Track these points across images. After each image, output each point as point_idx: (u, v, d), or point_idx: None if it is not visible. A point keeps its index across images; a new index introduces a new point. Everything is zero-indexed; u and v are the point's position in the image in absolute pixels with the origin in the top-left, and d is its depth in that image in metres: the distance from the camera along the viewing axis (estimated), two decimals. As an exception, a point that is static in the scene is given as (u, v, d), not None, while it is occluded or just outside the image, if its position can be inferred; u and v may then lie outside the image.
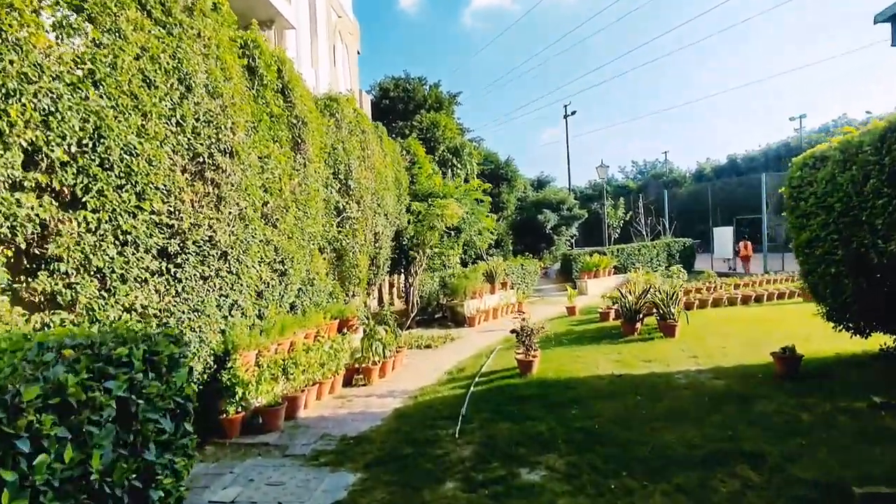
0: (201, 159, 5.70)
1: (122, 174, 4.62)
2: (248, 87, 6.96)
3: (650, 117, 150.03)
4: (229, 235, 6.10)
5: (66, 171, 4.15)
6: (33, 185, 3.93)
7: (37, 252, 4.07)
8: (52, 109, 4.01)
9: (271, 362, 6.51)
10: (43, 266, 4.11)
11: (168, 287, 5.25)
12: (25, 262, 4.06)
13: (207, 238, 5.75)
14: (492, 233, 19.77)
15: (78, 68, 4.34)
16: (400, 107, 25.79)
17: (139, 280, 4.90)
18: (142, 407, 2.13)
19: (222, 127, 6.01)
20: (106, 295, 4.53)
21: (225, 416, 5.98)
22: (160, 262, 5.16)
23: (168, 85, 5.26)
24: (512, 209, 28.29)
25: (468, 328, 13.50)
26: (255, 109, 6.92)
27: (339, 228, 10.08)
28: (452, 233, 15.84)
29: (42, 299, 4.15)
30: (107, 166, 4.48)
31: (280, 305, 7.56)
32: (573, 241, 29.99)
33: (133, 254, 4.80)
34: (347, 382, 8.27)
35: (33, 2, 3.95)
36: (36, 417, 1.84)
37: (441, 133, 22.19)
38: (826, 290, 7.01)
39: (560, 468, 4.73)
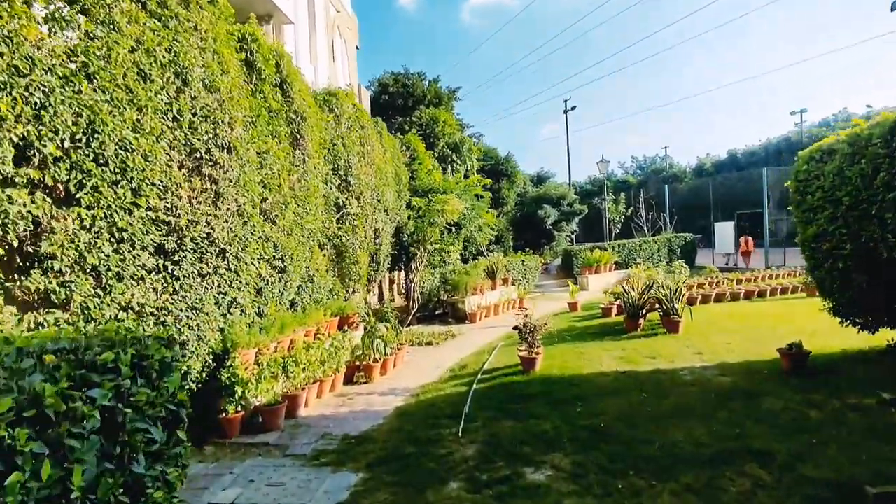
0: (198, 155, 5.60)
1: (117, 170, 4.52)
2: (246, 81, 6.85)
3: (650, 112, 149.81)
4: (227, 232, 6.00)
5: (59, 167, 4.05)
6: (25, 181, 3.82)
7: (30, 250, 3.98)
8: (44, 103, 3.91)
9: (271, 360, 6.42)
10: (36, 264, 4.01)
11: (165, 285, 5.15)
12: (18, 260, 3.97)
13: (205, 235, 5.65)
14: (492, 228, 19.67)
15: (71, 61, 4.24)
16: (399, 102, 25.65)
17: (135, 278, 4.80)
18: (129, 416, 1.99)
19: (220, 122, 5.91)
20: (101, 293, 4.44)
21: (224, 415, 5.89)
22: (157, 260, 5.06)
23: (164, 79, 5.15)
24: (512, 205, 28.19)
25: (469, 325, 13.40)
26: (253, 104, 6.81)
27: (339, 225, 9.97)
28: (453, 228, 15.74)
29: (35, 298, 4.05)
30: (101, 162, 4.38)
31: (280, 303, 7.46)
32: (573, 236, 29.88)
33: (129, 251, 4.70)
34: (348, 380, 8.18)
35: (24, -8, 3.84)
36: (8, 432, 1.70)
37: (441, 129, 22.06)
38: (833, 285, 6.91)
39: (566, 467, 4.64)
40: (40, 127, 3.87)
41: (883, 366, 6.82)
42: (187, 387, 5.54)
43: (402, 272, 15.83)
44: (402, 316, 12.83)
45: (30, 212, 3.87)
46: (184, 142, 5.39)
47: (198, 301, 5.59)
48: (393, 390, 7.59)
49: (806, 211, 7.15)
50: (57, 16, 4.16)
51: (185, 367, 5.46)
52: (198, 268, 5.56)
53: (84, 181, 4.24)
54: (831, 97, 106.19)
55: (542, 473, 4.57)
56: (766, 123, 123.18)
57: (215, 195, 5.82)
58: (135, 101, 4.74)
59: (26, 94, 3.79)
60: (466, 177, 21.17)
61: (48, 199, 4.05)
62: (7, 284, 3.85)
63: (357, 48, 22.22)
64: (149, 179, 4.86)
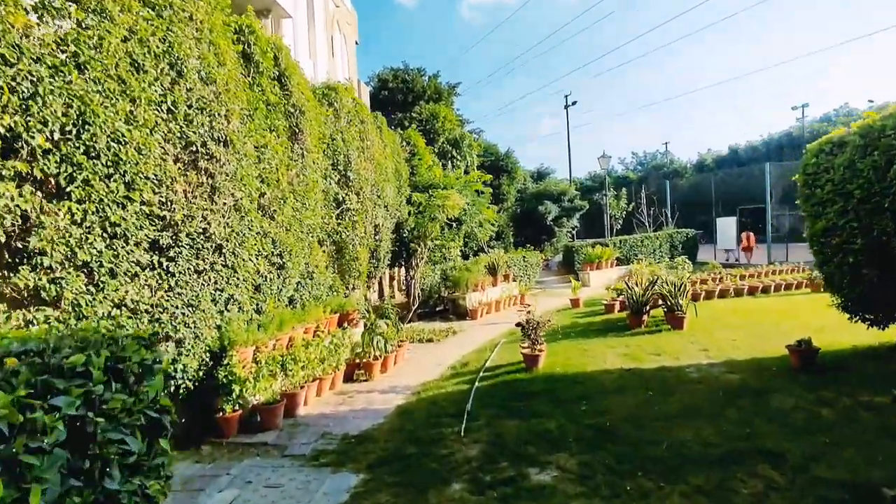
0: (194, 148, 5.46)
1: (109, 163, 4.38)
2: (244, 74, 6.70)
3: (650, 108, 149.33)
4: (224, 227, 5.86)
5: (49, 160, 3.91)
6: (12, 174, 3.69)
7: (18, 245, 3.84)
8: (33, 93, 3.77)
9: (269, 358, 6.29)
10: (25, 260, 3.88)
11: (160, 281, 5.02)
12: (6, 255, 3.83)
13: (201, 230, 5.51)
14: (493, 225, 19.52)
15: (61, 50, 4.09)
16: (399, 98, 25.48)
17: (129, 274, 4.67)
18: (101, 426, 1.79)
19: (216, 114, 5.77)
20: (94, 290, 4.30)
21: (222, 414, 5.77)
22: (152, 256, 4.93)
23: (158, 70, 5.01)
24: (512, 201, 28.01)
25: (470, 321, 13.28)
26: (250, 97, 6.67)
27: (339, 220, 9.84)
28: (453, 224, 15.60)
29: (25, 295, 3.92)
30: (93, 154, 4.24)
31: (278, 299, 7.33)
32: (574, 232, 29.72)
33: (122, 247, 4.57)
34: (348, 378, 8.06)
35: (10, -22, 3.70)
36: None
37: (440, 124, 21.88)
38: (843, 281, 6.78)
39: (572, 468, 4.52)
40: (28, 118, 3.74)
41: (894, 363, 6.69)
42: (183, 386, 5.43)
43: (403, 268, 15.69)
44: (403, 312, 12.70)
45: (18, 206, 3.74)
46: (179, 135, 5.25)
47: (194, 298, 5.46)
48: (394, 388, 7.46)
49: (815, 205, 7.00)
50: (46, 3, 4.02)
51: (181, 366, 5.34)
52: (194, 264, 5.43)
53: (75, 174, 4.10)
54: (832, 93, 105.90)
55: (547, 474, 4.45)
56: (768, 119, 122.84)
57: (211, 189, 5.69)
58: (127, 92, 4.60)
59: (13, 83, 3.65)
60: (467, 173, 21.01)
61: (37, 192, 3.91)
62: (-6, 281, 3.72)
63: (356, 43, 22.04)
64: (143, 173, 4.72)
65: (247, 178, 6.32)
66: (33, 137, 3.75)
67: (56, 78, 3.98)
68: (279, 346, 6.66)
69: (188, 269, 5.35)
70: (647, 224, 25.39)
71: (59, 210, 4.03)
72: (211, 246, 5.66)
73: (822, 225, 6.84)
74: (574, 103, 36.40)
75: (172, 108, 5.14)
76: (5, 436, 1.60)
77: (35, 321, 3.90)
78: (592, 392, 6.47)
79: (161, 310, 5.03)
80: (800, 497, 3.82)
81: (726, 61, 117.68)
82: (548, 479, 4.35)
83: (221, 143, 5.85)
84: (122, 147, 4.47)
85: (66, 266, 4.09)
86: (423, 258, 13.60)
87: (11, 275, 3.80)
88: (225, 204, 5.90)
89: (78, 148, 4.10)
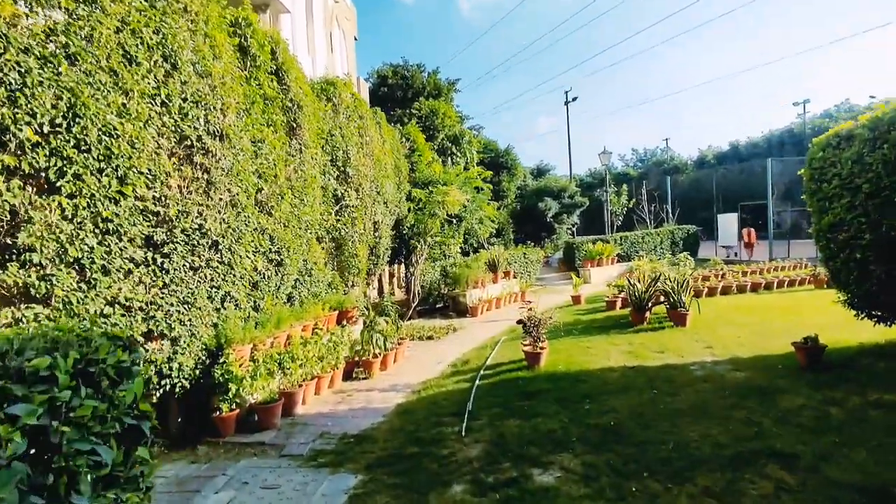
0: (189, 142, 5.34)
1: (101, 157, 4.26)
2: (240, 67, 6.57)
3: (649, 105, 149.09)
4: (220, 223, 5.75)
5: (38, 153, 3.79)
6: (0, 167, 3.57)
7: (7, 241, 3.73)
8: (21, 84, 3.65)
9: (267, 357, 6.18)
10: (14, 256, 3.77)
11: (155, 278, 4.91)
12: (-6, 252, 3.72)
13: (197, 226, 5.40)
14: (493, 221, 19.40)
15: (50, 41, 3.97)
16: (398, 94, 25.28)
17: (123, 271, 4.56)
18: (68, 435, 1.61)
19: (212, 108, 5.64)
20: (85, 287, 4.19)
21: (218, 413, 5.67)
22: (146, 252, 4.81)
23: (151, 62, 4.88)
24: (512, 198, 27.86)
25: (471, 318, 13.18)
26: (247, 91, 6.54)
27: (338, 217, 9.72)
28: (453, 221, 15.48)
29: (14, 292, 3.81)
30: (84, 148, 4.12)
31: (276, 297, 7.22)
32: (574, 229, 29.60)
33: (115, 243, 4.45)
34: (347, 376, 7.95)
35: (-5, -36, 3.58)
36: None
37: (440, 121, 21.73)
38: (850, 277, 6.65)
39: (576, 469, 4.41)
40: (16, 110, 3.62)
41: (902, 360, 6.58)
42: (179, 385, 5.32)
43: (403, 265, 15.58)
44: (403, 310, 12.59)
45: (5, 201, 3.63)
46: (173, 128, 5.13)
47: (189, 295, 5.35)
48: (393, 386, 7.36)
49: (821, 200, 6.88)
50: (34, -8, 3.90)
51: (177, 364, 5.24)
52: (189, 260, 5.32)
53: (65, 168, 3.98)
54: (829, 90, 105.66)
55: (550, 475, 4.35)
56: (767, 116, 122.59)
57: (207, 185, 5.57)
58: (120, 84, 4.48)
59: (0, 74, 3.53)
60: (466, 169, 20.88)
61: (26, 187, 3.80)
62: (-19, 278, 3.61)
63: (355, 39, 21.90)
64: (136, 167, 4.60)
65: (243, 174, 6.20)
66: (21, 130, 3.63)
67: (45, 69, 3.86)
68: (277, 343, 6.56)
69: (183, 265, 5.24)
70: (647, 220, 25.25)
71: (49, 205, 3.92)
72: (207, 242, 5.55)
73: (828, 220, 6.73)
74: (574, 99, 36.24)
75: (166, 101, 5.02)
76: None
77: (24, 319, 3.80)
78: (596, 391, 6.36)
79: (156, 307, 4.92)
80: (811, 499, 3.71)
81: (725, 58, 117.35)
82: (551, 481, 4.25)
83: (217, 138, 5.73)
84: (114, 141, 4.36)
85: (57, 262, 3.97)
86: (422, 255, 13.49)
87: (0, 271, 3.69)
88: (221, 199, 5.78)
89: (68, 141, 3.99)
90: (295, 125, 7.79)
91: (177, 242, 5.12)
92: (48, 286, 3.90)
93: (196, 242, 5.39)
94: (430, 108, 22.09)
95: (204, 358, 5.66)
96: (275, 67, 7.43)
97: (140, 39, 4.73)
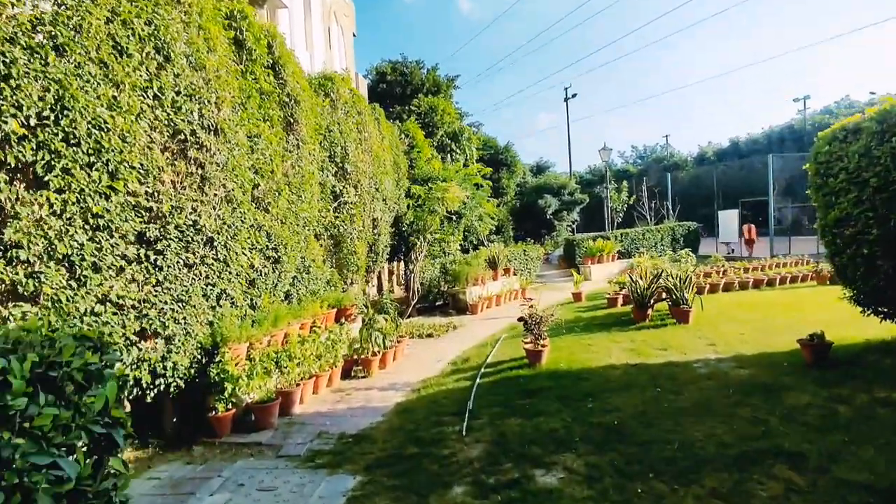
0: (183, 136, 5.23)
1: (90, 151, 4.16)
2: (235, 61, 6.46)
3: (649, 102, 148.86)
4: (215, 220, 5.64)
5: (24, 146, 3.69)
6: (-17, 161, 3.47)
7: (-8, 237, 3.62)
8: (5, 76, 3.55)
9: (263, 355, 6.07)
10: (0, 253, 3.66)
11: (147, 276, 4.80)
12: (-21, 248, 3.62)
13: (191, 222, 5.29)
14: (493, 218, 19.29)
15: (37, 31, 3.86)
16: (397, 91, 25.15)
17: (114, 268, 4.45)
18: (23, 448, 1.45)
19: (206, 101, 5.53)
20: (75, 285, 4.08)
21: (214, 413, 5.55)
22: (138, 249, 4.71)
23: (143, 53, 4.77)
24: (512, 195, 27.76)
25: (470, 316, 13.06)
26: (243, 85, 6.43)
27: (336, 214, 9.62)
28: (453, 218, 15.37)
29: (1, 290, 3.71)
30: (72, 141, 4.01)
31: (274, 294, 7.11)
32: (574, 226, 29.48)
33: (106, 239, 4.35)
34: (346, 374, 7.85)
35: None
36: None
37: (439, 117, 21.60)
38: (856, 273, 6.54)
39: (579, 470, 4.30)
40: (0, 102, 3.51)
41: (909, 357, 6.48)
42: (174, 384, 5.22)
43: (402, 263, 15.47)
44: (402, 307, 12.48)
45: (-9, 195, 3.52)
46: (166, 122, 5.02)
47: (184, 293, 5.24)
48: (393, 385, 7.25)
49: (827, 195, 6.77)
50: (20, -19, 3.79)
51: (171, 363, 5.14)
52: (183, 257, 5.21)
53: (53, 162, 3.87)
54: (832, 86, 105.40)
55: (553, 476, 4.24)
56: (769, 111, 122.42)
57: (201, 180, 5.46)
58: (110, 76, 4.38)
59: (-17, 64, 3.43)
60: (466, 166, 20.75)
61: (12, 181, 3.69)
62: (-35, 275, 3.50)
63: (354, 35, 21.74)
64: (127, 162, 4.49)
65: (239, 169, 6.09)
66: (6, 122, 3.53)
67: (32, 60, 3.75)
68: (274, 342, 6.45)
69: (177, 262, 5.13)
70: (648, 217, 25.12)
71: (37, 200, 3.82)
72: (201, 239, 5.44)
73: (834, 215, 6.61)
74: (574, 96, 36.09)
75: (159, 94, 4.91)
76: None
77: (12, 318, 3.69)
78: (598, 389, 6.25)
79: (149, 305, 4.82)
80: (822, 500, 3.61)
81: (723, 57, 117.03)
82: (554, 482, 4.14)
83: (212, 132, 5.62)
84: (104, 134, 4.25)
85: (45, 259, 3.87)
86: (422, 252, 13.38)
87: (-15, 269, 3.58)
88: (216, 195, 5.67)
89: (56, 134, 3.88)
90: (292, 120, 7.68)
91: (170, 239, 5.01)
92: (36, 284, 3.79)
93: (190, 239, 5.29)
94: (430, 104, 21.96)
95: (199, 357, 5.55)
96: (271, 62, 7.31)
97: (131, 31, 4.62)
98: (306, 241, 8.16)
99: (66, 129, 3.94)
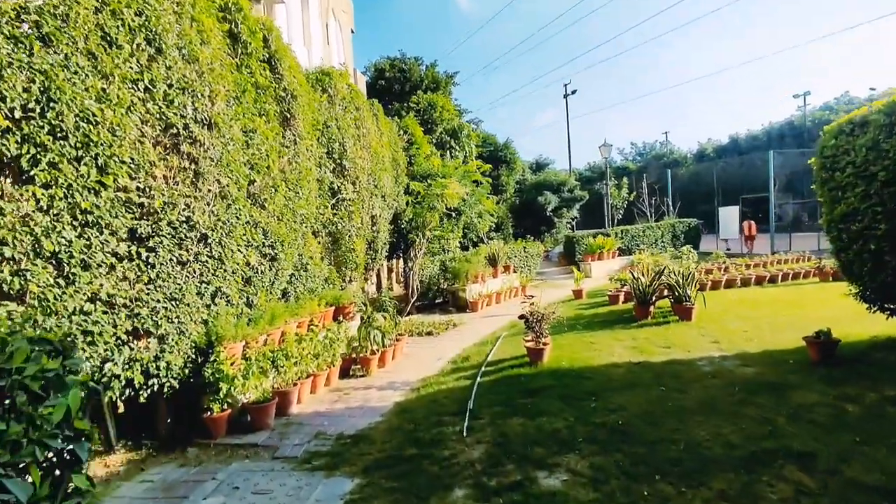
0: (175, 130, 5.09)
1: (78, 144, 4.03)
2: (230, 54, 6.32)
3: (648, 99, 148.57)
4: (209, 216, 5.51)
5: (8, 140, 3.56)
6: (-35, 154, 3.34)
7: (-25, 234, 3.50)
8: (-12, 66, 3.41)
9: (260, 354, 5.95)
10: (-17, 250, 3.53)
11: (139, 273, 4.68)
12: (-39, 245, 3.49)
13: (184, 219, 5.16)
14: (492, 215, 19.14)
15: (21, 21, 3.73)
16: (396, 87, 24.97)
17: (104, 266, 4.33)
18: None
19: (199, 95, 5.40)
20: (63, 283, 3.96)
21: (209, 414, 5.43)
22: (129, 246, 4.58)
23: (133, 45, 4.63)
24: (511, 192, 27.59)
25: (470, 313, 12.95)
26: (238, 79, 6.30)
27: (334, 210, 9.49)
28: (452, 215, 15.24)
29: (-15, 289, 3.58)
30: (59, 135, 3.89)
31: (270, 292, 6.98)
32: (574, 223, 29.34)
33: (96, 236, 4.22)
34: (344, 374, 7.73)
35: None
36: None
37: (438, 114, 21.43)
38: (863, 269, 6.43)
39: (583, 471, 4.19)
40: (-17, 93, 3.38)
41: (916, 354, 6.37)
42: (167, 384, 5.09)
43: (401, 260, 15.34)
44: (401, 305, 12.36)
45: (-27, 190, 3.40)
46: (158, 116, 4.89)
47: (177, 291, 5.11)
48: (392, 384, 7.13)
49: (833, 189, 6.64)
50: (4, -31, 3.66)
51: (164, 363, 5.01)
52: (176, 255, 5.08)
53: (39, 156, 3.74)
54: (831, 83, 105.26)
55: (557, 478, 4.12)
56: (768, 108, 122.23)
57: (195, 175, 5.33)
58: (99, 68, 4.24)
59: (-36, 54, 3.30)
60: (465, 163, 20.59)
61: (-4, 176, 3.57)
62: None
63: (352, 32, 21.59)
64: (117, 156, 4.36)
65: (234, 164, 5.96)
66: (-12, 114, 3.39)
67: (16, 50, 3.62)
68: (271, 341, 6.33)
69: (170, 260, 5.01)
70: (648, 214, 24.99)
71: (22, 195, 3.69)
72: (195, 235, 5.31)
73: (841, 210, 6.49)
74: (574, 92, 35.92)
75: (150, 86, 4.78)
76: None
77: (-4, 317, 3.57)
78: (601, 388, 6.14)
79: (141, 304, 4.69)
80: (835, 503, 3.50)
81: (722, 55, 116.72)
82: (557, 484, 4.03)
83: (205, 126, 5.49)
84: (93, 127, 4.12)
85: (31, 257, 3.74)
86: (421, 249, 13.25)
87: (-32, 266, 3.46)
88: (210, 191, 5.54)
89: (42, 127, 3.75)
90: (289, 115, 7.55)
91: (163, 235, 4.89)
92: (22, 282, 3.67)
93: (184, 236, 5.16)
94: (429, 101, 21.80)
95: (194, 356, 5.43)
96: (267, 55, 7.18)
97: (121, 21, 4.49)
98: (304, 238, 8.03)
99: (53, 121, 3.81)
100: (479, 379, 6.88)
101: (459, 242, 17.06)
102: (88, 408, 1.98)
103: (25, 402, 1.46)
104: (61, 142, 3.88)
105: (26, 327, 1.71)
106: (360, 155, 10.36)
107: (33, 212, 3.74)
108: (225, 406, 5.51)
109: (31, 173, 3.71)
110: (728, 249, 23.06)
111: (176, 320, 5.12)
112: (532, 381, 6.65)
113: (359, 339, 8.03)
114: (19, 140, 3.61)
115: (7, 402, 1.47)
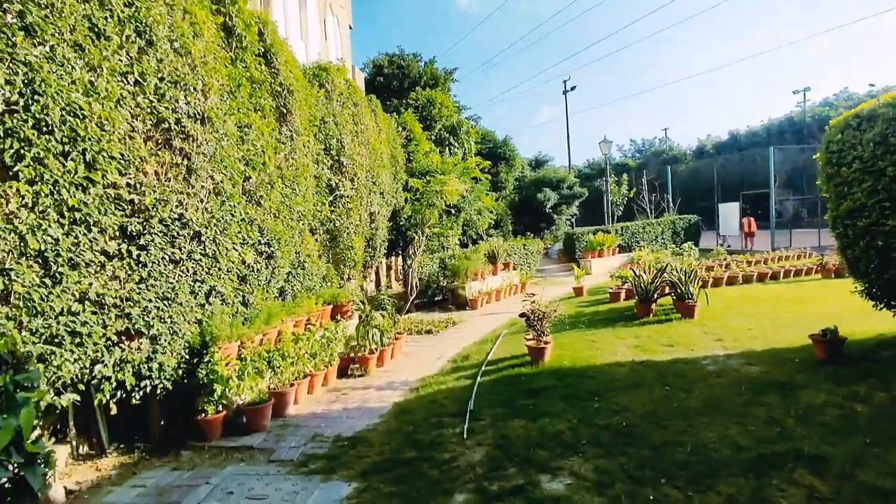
0: (167, 125, 4.95)
1: (65, 139, 3.89)
2: (224, 48, 6.18)
3: (647, 95, 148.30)
4: (203, 213, 5.37)
5: (-10, 134, 3.42)
6: (-56, 149, 3.20)
7: (-44, 232, 3.36)
8: (-32, 57, 3.28)
9: (255, 355, 5.82)
10: (-35, 249, 3.40)
11: (130, 272, 4.54)
12: (-58, 244, 3.36)
13: (177, 216, 5.02)
14: (491, 212, 19.01)
15: (4, 10, 3.58)
16: (394, 84, 24.76)
17: (94, 265, 4.19)
18: None
19: (192, 89, 5.26)
20: (49, 283, 3.82)
21: (204, 416, 5.31)
22: (119, 244, 4.44)
23: (123, 36, 4.49)
24: (510, 189, 27.45)
25: (470, 311, 12.83)
26: (232, 73, 6.15)
27: (332, 208, 9.35)
28: (452, 212, 15.11)
29: (-32, 289, 3.45)
30: (45, 129, 3.74)
31: (267, 291, 6.85)
32: (573, 220, 29.21)
33: (84, 234, 4.08)
34: (342, 373, 7.60)
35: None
36: None
37: (437, 111, 21.26)
38: (869, 266, 6.30)
39: (587, 475, 4.07)
40: (-37, 85, 3.24)
41: (924, 352, 6.25)
42: (160, 386, 4.97)
43: (400, 257, 15.21)
44: (400, 303, 12.24)
45: (-47, 187, 3.26)
46: (149, 110, 4.74)
47: (170, 290, 4.98)
48: (390, 384, 7.01)
49: (839, 185, 6.51)
50: (-15, -44, 3.51)
51: (157, 364, 4.88)
52: (169, 253, 4.94)
53: (23, 151, 3.60)
54: (829, 80, 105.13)
55: (560, 482, 4.00)
56: (768, 104, 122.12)
57: (187, 171, 5.19)
58: (86, 60, 4.10)
59: (-57, 44, 3.16)
60: (464, 160, 20.44)
61: (-22, 171, 3.43)
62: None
63: (350, 27, 21.40)
64: (106, 151, 4.22)
65: (228, 160, 5.82)
66: (-31, 107, 3.26)
67: (-2, 41, 3.48)
68: (267, 341, 6.20)
69: (162, 258, 4.87)
70: (648, 210, 24.86)
71: (6, 192, 3.55)
72: (188, 233, 5.17)
73: (847, 206, 6.36)
74: (573, 88, 35.77)
75: (140, 79, 4.64)
76: None
77: (-22, 318, 3.44)
78: (604, 387, 6.02)
79: (132, 304, 4.56)
80: (848, 508, 3.38)
81: (720, 53, 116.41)
82: (561, 489, 3.91)
83: (198, 121, 5.34)
84: (80, 121, 3.98)
85: (16, 255, 3.60)
86: (420, 246, 13.12)
87: (-51, 266, 3.32)
88: (203, 187, 5.40)
89: (26, 121, 3.61)
90: (285, 111, 7.41)
91: (154, 233, 4.75)
92: (6, 281, 3.53)
93: (176, 233, 5.02)
94: (427, 97, 21.63)
95: (187, 357, 5.30)
96: (262, 49, 7.03)
97: (109, 11, 4.34)
98: (301, 235, 7.90)
99: (38, 115, 3.67)
100: (479, 379, 6.76)
101: (459, 240, 16.93)
102: (44, 425, 1.83)
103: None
104: (47, 136, 3.74)
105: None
106: (358, 151, 10.22)
107: (18, 209, 3.60)
108: (220, 408, 5.38)
109: (15, 169, 3.57)
110: (728, 246, 22.96)
111: (169, 320, 4.99)
112: (533, 380, 6.53)
113: (357, 338, 7.91)
114: (2, 134, 3.47)
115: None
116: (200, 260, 5.38)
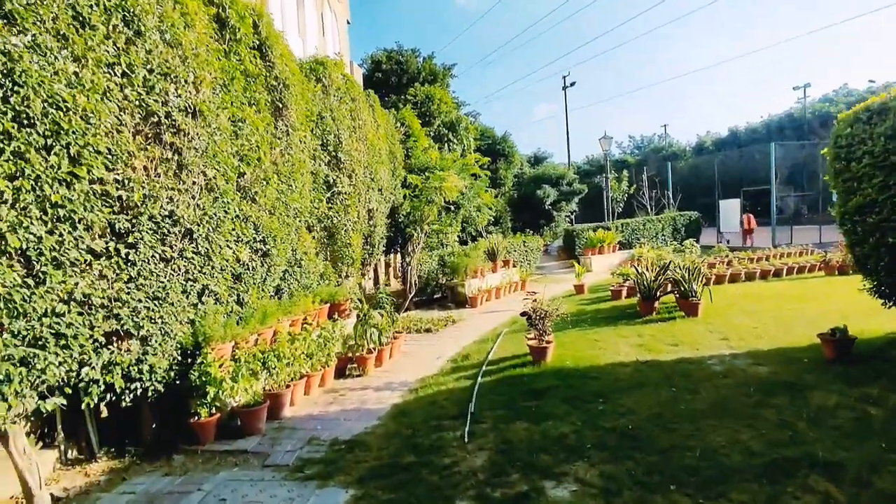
0: (157, 119, 4.77)
1: (48, 132, 3.71)
2: (217, 40, 6.00)
3: (646, 93, 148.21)
4: (195, 210, 5.20)
5: (-33, 127, 3.25)
6: (-84, 142, 3.03)
7: (-69, 230, 3.20)
8: (-57, 45, 3.10)
9: (250, 355, 5.66)
10: (-59, 248, 3.23)
11: (118, 271, 4.37)
12: (-84, 242, 3.19)
13: (167, 213, 4.85)
14: (491, 209, 18.84)
15: (-19, -3, 3.41)
16: (393, 80, 24.58)
17: (79, 264, 4.02)
18: None
19: (183, 81, 5.08)
20: (32, 283, 3.64)
21: (196, 419, 5.15)
22: (107, 242, 4.27)
23: (109, 26, 4.31)
24: (510, 185, 27.29)
25: (470, 309, 12.68)
26: (225, 66, 5.97)
27: (330, 204, 9.18)
28: (451, 209, 14.93)
29: (-55, 289, 3.29)
30: (25, 122, 3.56)
31: (262, 289, 6.69)
32: (573, 216, 29.03)
33: (69, 232, 3.91)
34: (340, 373, 7.45)
35: None
36: None
37: (436, 107, 21.08)
38: (879, 263, 6.15)
39: (593, 481, 3.92)
40: (-64, 75, 3.07)
41: (935, 352, 6.11)
42: (152, 388, 4.80)
43: (399, 255, 15.04)
44: (399, 301, 12.09)
45: (-73, 182, 3.09)
46: (137, 103, 4.57)
47: (160, 290, 4.81)
48: (389, 385, 6.86)
49: (848, 180, 6.36)
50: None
51: (147, 366, 4.71)
52: (159, 251, 4.77)
53: (2, 145, 3.43)
54: (830, 76, 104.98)
55: (565, 489, 3.86)
56: (767, 100, 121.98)
57: (178, 167, 5.02)
58: (70, 49, 3.92)
59: (-86, 31, 2.99)
60: (463, 156, 20.26)
61: (-46, 166, 3.26)
62: None
63: (348, 23, 21.21)
64: (91, 146, 4.05)
65: (221, 155, 5.64)
66: (-57, 98, 3.08)
67: (-25, 29, 3.30)
68: (262, 341, 6.05)
69: (152, 256, 4.70)
70: (648, 207, 24.70)
71: (-16, 188, 3.38)
72: (179, 230, 5.00)
73: (856, 202, 6.21)
74: (573, 84, 35.53)
75: (128, 71, 4.46)
76: None
77: (-43, 320, 3.27)
78: (608, 388, 5.87)
79: (120, 304, 4.39)
80: (866, 517, 3.24)
81: (718, 50, 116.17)
82: (566, 496, 3.76)
83: (190, 115, 5.17)
84: (63, 114, 3.80)
85: (-5, 254, 3.43)
86: (419, 244, 12.95)
87: (-77, 266, 3.16)
88: (195, 183, 5.23)
89: (5, 113, 3.43)
90: (281, 105, 7.23)
91: (143, 231, 4.58)
92: (-15, 281, 3.37)
93: (167, 231, 4.85)
94: (426, 93, 21.44)
95: (179, 358, 5.14)
96: (257, 42, 6.85)
97: (95, 0, 4.16)
98: (298, 232, 7.73)
99: (18, 107, 3.49)
100: (479, 379, 6.61)
101: (458, 237, 16.75)
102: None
103: None
104: (28, 129, 3.57)
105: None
106: (355, 147, 10.05)
107: (-3, 205, 3.43)
108: (213, 410, 5.23)
109: (-6, 163, 3.40)
110: (728, 242, 22.82)
111: (159, 321, 4.82)
112: (535, 381, 6.38)
113: (355, 338, 7.75)
114: (-21, 127, 3.30)
115: None
116: (192, 258, 5.21)
